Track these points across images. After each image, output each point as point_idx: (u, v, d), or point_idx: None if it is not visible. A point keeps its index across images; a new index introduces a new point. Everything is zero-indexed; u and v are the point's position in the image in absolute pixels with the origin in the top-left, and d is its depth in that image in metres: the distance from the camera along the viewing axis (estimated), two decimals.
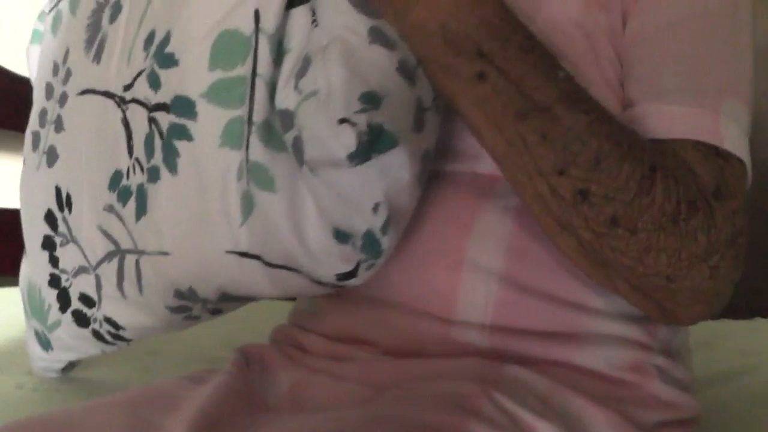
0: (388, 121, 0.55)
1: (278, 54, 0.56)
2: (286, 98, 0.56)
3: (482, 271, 0.60)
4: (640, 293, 0.56)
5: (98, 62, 0.64)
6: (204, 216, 0.58)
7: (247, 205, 0.56)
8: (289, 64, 0.56)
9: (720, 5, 0.60)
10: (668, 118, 0.58)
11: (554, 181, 0.53)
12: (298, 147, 0.55)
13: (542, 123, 0.53)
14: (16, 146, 1.28)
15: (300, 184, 0.56)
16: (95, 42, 0.67)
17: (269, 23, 0.56)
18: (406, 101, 0.57)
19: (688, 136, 0.57)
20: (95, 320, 0.69)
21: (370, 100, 0.54)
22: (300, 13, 0.57)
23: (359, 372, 0.60)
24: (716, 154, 0.56)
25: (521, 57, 0.54)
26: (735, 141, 0.57)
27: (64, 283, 0.71)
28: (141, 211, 0.61)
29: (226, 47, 0.57)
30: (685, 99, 0.58)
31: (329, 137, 0.53)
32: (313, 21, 0.56)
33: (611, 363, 0.60)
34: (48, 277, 0.73)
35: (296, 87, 0.56)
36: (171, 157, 0.58)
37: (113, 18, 0.65)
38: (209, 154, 0.57)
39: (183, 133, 0.58)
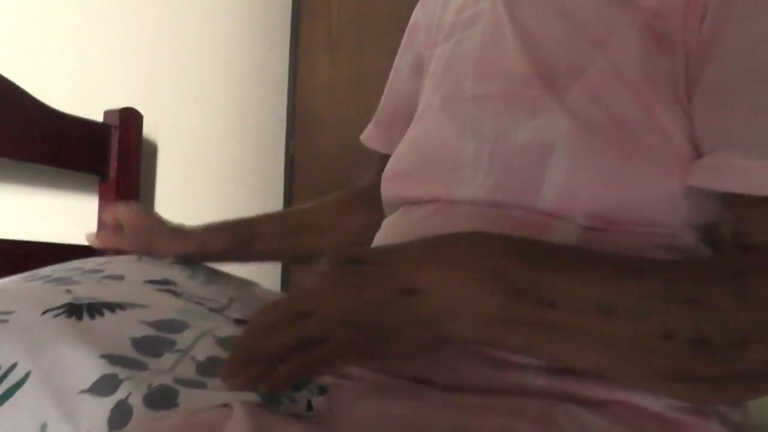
0: None
1: None
2: None
3: None
4: None
5: None
6: None
7: None
8: None
9: None
10: (753, 174, 0.54)
11: (670, 348, 0.49)
12: None
13: (627, 306, 0.49)
14: (47, 181, 1.28)
15: None
16: None
17: None
18: None
19: None
20: None
21: None
22: None
23: (411, 394, 0.58)
24: None
25: (575, 270, 0.50)
26: None
27: None
28: None
29: None
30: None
31: None
32: None
33: (670, 404, 0.57)
34: None
35: None
36: None
37: None
38: None
39: None
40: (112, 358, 0.62)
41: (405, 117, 0.84)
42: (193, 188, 1.63)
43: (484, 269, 0.50)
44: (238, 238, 0.89)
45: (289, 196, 1.90)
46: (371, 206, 0.95)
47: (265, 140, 1.86)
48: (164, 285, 0.81)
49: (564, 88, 0.62)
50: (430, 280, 0.49)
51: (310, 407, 0.57)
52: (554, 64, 0.63)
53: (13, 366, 0.61)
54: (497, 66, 0.67)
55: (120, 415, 0.58)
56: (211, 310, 0.76)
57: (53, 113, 1.24)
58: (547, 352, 0.51)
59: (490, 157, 0.63)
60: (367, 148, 0.97)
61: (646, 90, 0.59)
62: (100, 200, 1.36)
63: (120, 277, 0.81)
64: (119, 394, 0.59)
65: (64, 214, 1.32)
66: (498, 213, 0.62)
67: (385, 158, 0.94)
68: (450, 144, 0.67)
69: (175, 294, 0.79)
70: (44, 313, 0.67)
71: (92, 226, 1.36)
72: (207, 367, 0.65)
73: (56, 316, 0.67)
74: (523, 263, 0.50)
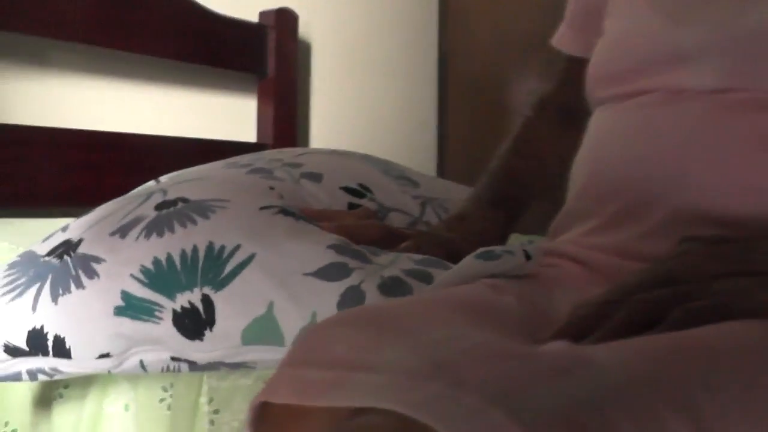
0: None
1: None
2: None
3: None
4: None
5: None
6: None
7: None
8: None
9: None
10: None
11: None
12: None
13: None
14: (207, 81, 1.37)
15: None
16: None
17: None
18: None
19: None
20: None
21: None
22: None
23: None
24: None
25: None
26: None
27: None
28: None
29: None
30: None
31: None
32: None
33: None
34: None
35: None
36: None
37: None
38: None
39: None
40: (339, 249, 0.66)
41: (599, 16, 0.80)
42: (347, 86, 1.68)
43: None
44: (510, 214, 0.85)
45: (443, 92, 1.90)
46: (571, 120, 0.90)
47: (418, 36, 1.85)
48: (358, 198, 0.84)
49: None
50: None
51: (528, 257, 0.60)
52: None
53: (237, 247, 0.65)
54: None
55: (351, 299, 0.62)
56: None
57: (210, 15, 1.31)
58: None
59: (717, 44, 0.62)
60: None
61: None
62: (258, 98, 1.44)
63: (318, 177, 0.84)
64: (351, 281, 0.63)
65: (225, 112, 1.41)
66: (733, 97, 0.61)
67: (574, 60, 0.91)
68: (665, 36, 0.66)
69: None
70: (261, 209, 0.71)
71: (252, 123, 1.44)
72: (425, 263, 0.67)
73: (273, 214, 0.71)
74: None
